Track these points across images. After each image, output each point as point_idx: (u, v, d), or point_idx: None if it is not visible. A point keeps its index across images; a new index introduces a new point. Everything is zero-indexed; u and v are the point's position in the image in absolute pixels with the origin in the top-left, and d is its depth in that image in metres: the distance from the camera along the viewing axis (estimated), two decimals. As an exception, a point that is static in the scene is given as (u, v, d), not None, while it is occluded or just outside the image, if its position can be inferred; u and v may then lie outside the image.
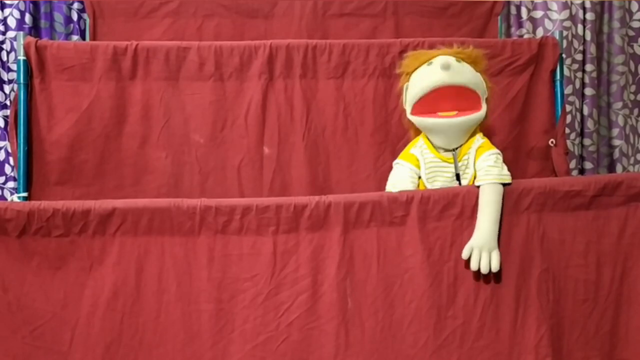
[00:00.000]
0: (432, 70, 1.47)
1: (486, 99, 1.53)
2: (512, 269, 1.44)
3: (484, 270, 1.39)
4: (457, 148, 1.51)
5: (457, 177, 1.52)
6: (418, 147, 1.55)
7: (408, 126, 1.62)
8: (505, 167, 1.47)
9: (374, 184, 1.76)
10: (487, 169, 1.45)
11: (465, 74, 1.48)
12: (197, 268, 1.41)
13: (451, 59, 1.47)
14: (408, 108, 1.53)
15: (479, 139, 1.52)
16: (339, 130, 1.79)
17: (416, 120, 1.52)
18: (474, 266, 1.39)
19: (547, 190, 1.46)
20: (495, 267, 1.39)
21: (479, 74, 1.52)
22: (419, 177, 1.54)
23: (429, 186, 1.53)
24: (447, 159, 1.52)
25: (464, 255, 1.40)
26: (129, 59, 1.75)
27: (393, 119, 1.80)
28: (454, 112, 1.47)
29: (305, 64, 1.79)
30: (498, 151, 1.50)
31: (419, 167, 1.53)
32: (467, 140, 1.51)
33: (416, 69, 1.53)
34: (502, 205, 1.43)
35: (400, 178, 1.54)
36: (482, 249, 1.39)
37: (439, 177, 1.53)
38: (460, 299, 1.42)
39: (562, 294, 1.46)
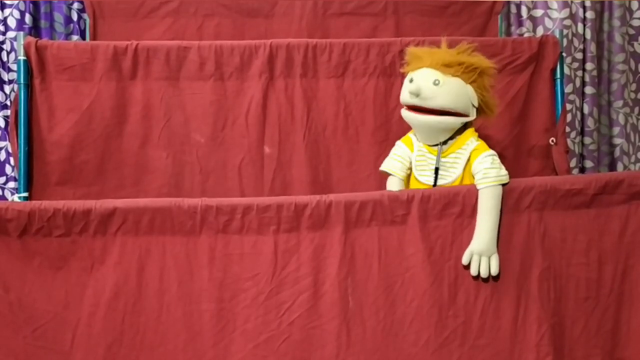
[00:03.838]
0: (407, 89, 1.47)
1: (484, 102, 1.50)
2: (513, 268, 1.44)
3: (484, 275, 1.41)
4: (441, 143, 1.50)
5: (436, 170, 1.51)
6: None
7: None
8: (503, 167, 1.46)
9: (374, 183, 1.75)
10: (484, 171, 1.44)
11: (439, 98, 1.44)
12: (198, 268, 1.41)
13: (426, 82, 1.44)
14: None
15: (474, 141, 1.49)
16: (339, 129, 1.79)
17: (402, 114, 1.53)
18: (473, 272, 1.41)
19: (548, 189, 1.46)
20: (494, 271, 1.41)
21: (466, 88, 1.46)
22: (410, 162, 1.55)
23: (416, 174, 1.53)
24: (432, 151, 1.52)
25: (464, 261, 1.42)
26: (129, 59, 1.75)
27: (394, 118, 1.80)
28: None
29: (305, 63, 1.79)
30: (494, 152, 1.48)
31: (412, 150, 1.55)
32: (453, 138, 1.50)
33: (410, 70, 1.52)
34: (502, 205, 1.43)
35: (390, 157, 1.58)
36: (481, 254, 1.40)
37: (425, 168, 1.52)
38: (462, 298, 1.42)
39: (563, 292, 1.47)
